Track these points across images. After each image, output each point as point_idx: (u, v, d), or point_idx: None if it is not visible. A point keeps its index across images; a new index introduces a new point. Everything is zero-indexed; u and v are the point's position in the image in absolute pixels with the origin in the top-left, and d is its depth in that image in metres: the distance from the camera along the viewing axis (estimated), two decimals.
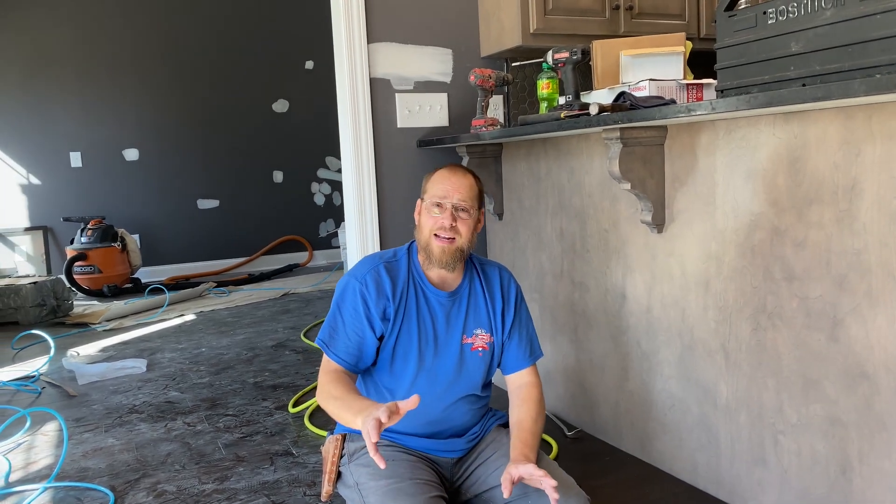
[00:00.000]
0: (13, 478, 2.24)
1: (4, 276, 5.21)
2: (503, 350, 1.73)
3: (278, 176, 6.71)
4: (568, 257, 2.40)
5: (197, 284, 5.59)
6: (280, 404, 2.83)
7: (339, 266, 6.32)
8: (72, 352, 3.70)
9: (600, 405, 2.33)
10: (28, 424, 2.68)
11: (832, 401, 1.59)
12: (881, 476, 1.50)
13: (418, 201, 1.71)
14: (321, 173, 6.86)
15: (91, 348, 3.88)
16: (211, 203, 6.48)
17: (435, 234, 1.62)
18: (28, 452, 2.44)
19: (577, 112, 2.05)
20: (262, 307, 4.88)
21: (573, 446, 2.31)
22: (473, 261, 1.74)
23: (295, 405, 2.78)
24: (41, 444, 2.51)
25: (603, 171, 2.21)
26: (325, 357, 1.66)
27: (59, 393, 3.11)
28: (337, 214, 6.83)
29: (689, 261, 1.93)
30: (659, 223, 1.98)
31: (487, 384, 1.77)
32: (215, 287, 5.55)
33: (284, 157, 6.71)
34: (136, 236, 6.13)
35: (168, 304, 4.90)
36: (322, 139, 6.74)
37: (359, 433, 1.70)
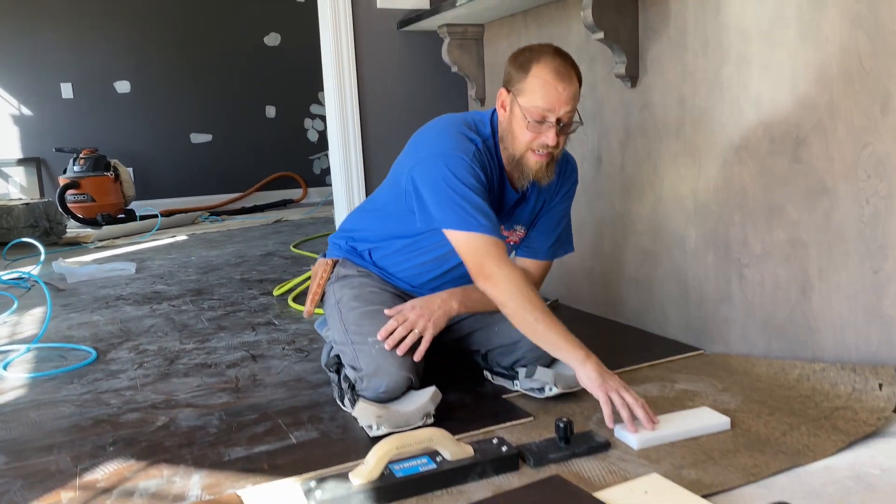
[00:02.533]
0: None
1: None
2: (525, 239, 1.68)
3: (271, 111, 6.69)
4: None
5: None
6: (265, 291, 2.86)
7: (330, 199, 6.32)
8: (62, 259, 3.73)
9: (576, 274, 2.36)
10: (15, 306, 2.72)
11: (794, 223, 1.61)
12: (838, 288, 1.53)
13: (504, 93, 1.49)
14: (314, 109, 6.83)
15: (82, 258, 3.91)
16: (204, 137, 6.47)
17: (532, 150, 1.46)
18: (14, 327, 2.48)
19: None
20: (254, 230, 4.91)
21: None
22: None
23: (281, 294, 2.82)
24: (27, 321, 2.56)
25: (580, 36, 2.20)
26: (484, 244, 1.42)
27: (49, 289, 3.14)
28: None
29: (661, 109, 1.93)
30: (633, 75, 1.98)
31: None
32: (209, 215, 5.57)
33: (277, 91, 6.67)
34: (130, 169, 6.13)
35: (161, 228, 4.93)
36: (315, 74, 6.65)
37: (352, 260, 1.71)
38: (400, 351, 1.46)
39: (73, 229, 5.31)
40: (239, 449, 1.40)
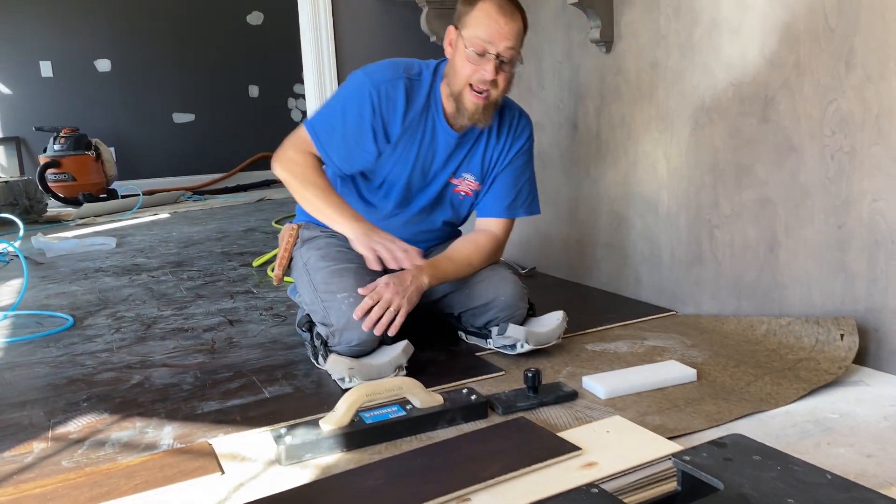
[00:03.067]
0: None
1: None
2: (482, 195, 1.70)
3: (254, 90, 6.66)
4: (525, 98, 2.42)
5: None
6: (245, 263, 2.87)
7: None
8: (41, 234, 3.71)
9: (553, 242, 2.38)
10: None
11: (762, 182, 1.63)
12: (804, 244, 1.56)
13: (452, 30, 1.53)
14: (297, 88, 6.80)
15: (62, 235, 3.89)
16: (187, 117, 6.43)
17: (471, 85, 1.48)
18: None
19: None
20: (237, 208, 4.90)
21: (526, 281, 2.36)
22: None
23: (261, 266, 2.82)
24: (4, 292, 2.55)
25: (557, 2, 2.21)
26: (303, 141, 1.58)
27: (28, 262, 3.12)
28: None
29: (635, 74, 1.95)
30: (607, 40, 1.99)
31: (464, 221, 1.80)
32: (192, 195, 5.55)
33: (260, 71, 6.63)
34: (112, 149, 6.08)
35: (143, 207, 4.91)
36: (298, 53, 6.56)
37: (316, 222, 1.73)
38: (378, 330, 1.47)
39: (54, 208, 5.27)
40: (212, 403, 1.42)
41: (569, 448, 1.03)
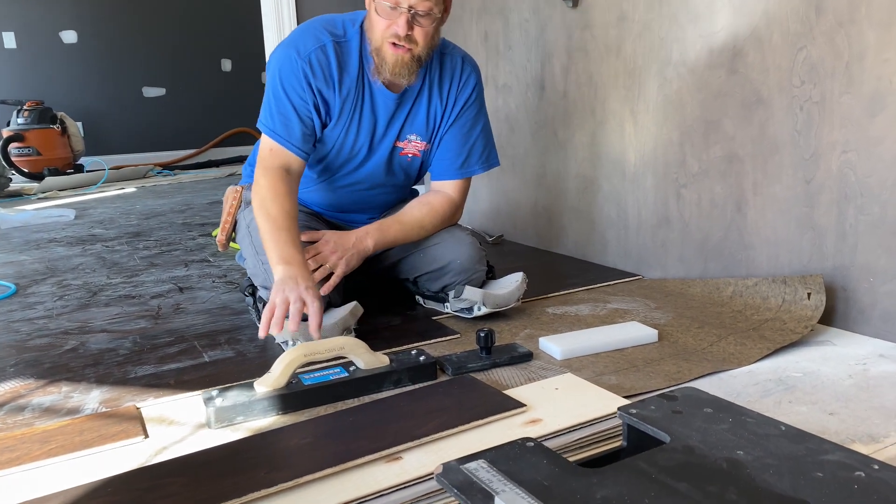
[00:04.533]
0: None
1: None
2: (431, 153, 1.59)
3: (227, 64, 6.49)
4: (493, 61, 2.33)
5: None
6: (205, 233, 2.77)
7: None
8: None
9: (521, 209, 2.31)
10: None
11: (730, 137, 1.56)
12: (773, 202, 1.49)
13: None
14: None
15: (19, 207, 3.76)
16: (157, 91, 6.26)
17: (388, 41, 1.37)
18: None
19: None
20: (206, 182, 4.79)
21: (493, 249, 2.29)
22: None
23: None
24: None
25: None
26: (270, 150, 1.43)
27: None
28: None
29: (602, 29, 1.87)
30: None
31: (418, 180, 1.70)
32: (161, 170, 5.41)
33: (233, 44, 6.47)
34: (79, 124, 5.91)
35: (109, 181, 4.77)
36: None
37: None
38: None
39: (18, 183, 5.11)
40: (147, 367, 1.33)
41: (513, 405, 0.96)
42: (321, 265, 1.42)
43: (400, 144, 1.56)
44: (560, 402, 0.99)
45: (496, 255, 2.21)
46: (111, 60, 6.03)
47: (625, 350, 1.32)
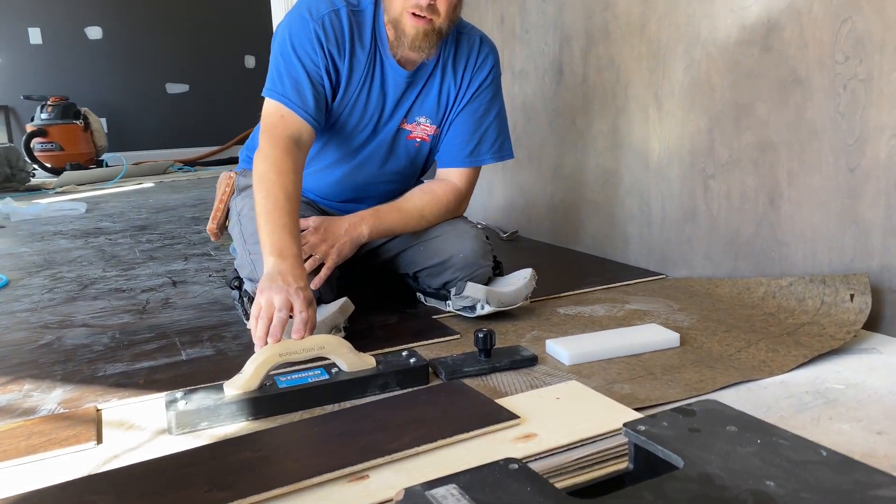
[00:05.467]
0: None
1: None
2: (441, 139, 1.47)
3: (250, 61, 6.45)
4: (509, 45, 2.20)
5: None
6: None
7: None
8: (9, 199, 3.55)
9: (537, 203, 2.17)
10: None
11: (763, 122, 1.41)
12: (810, 193, 1.34)
13: None
14: None
15: (35, 201, 3.73)
16: (180, 87, 6.25)
17: (409, 11, 1.27)
18: None
19: None
20: None
21: (506, 245, 2.16)
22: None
23: None
24: None
25: None
26: (281, 117, 1.28)
27: None
28: None
29: (624, 7, 1.73)
30: None
31: (424, 171, 1.58)
32: (181, 166, 5.37)
33: (257, 41, 6.42)
34: (103, 120, 5.92)
35: (129, 177, 4.74)
36: None
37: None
38: None
39: (40, 178, 5.11)
40: (119, 365, 1.23)
41: (504, 416, 0.83)
42: (310, 256, 1.31)
43: (408, 127, 1.44)
44: (560, 415, 0.85)
45: (510, 252, 2.08)
46: (135, 56, 6.02)
47: (642, 355, 1.18)
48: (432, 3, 1.25)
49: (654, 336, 1.22)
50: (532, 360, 1.16)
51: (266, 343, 1.06)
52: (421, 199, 1.44)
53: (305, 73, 1.29)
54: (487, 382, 1.09)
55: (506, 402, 0.90)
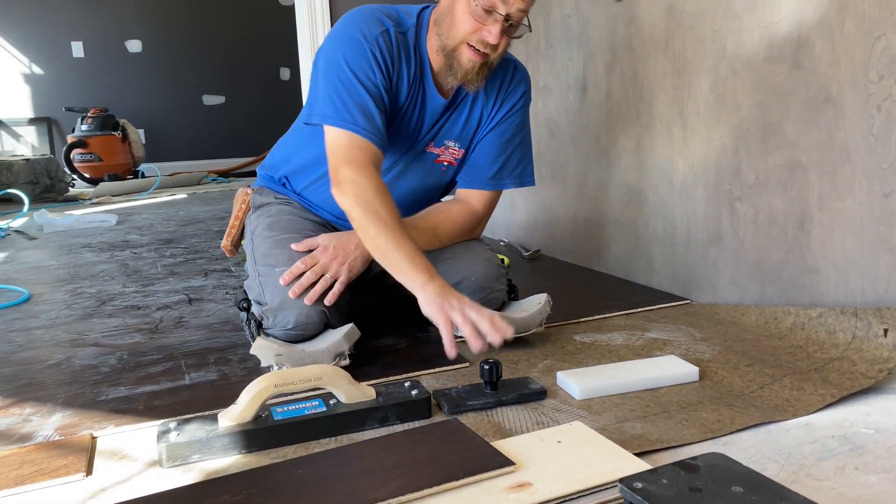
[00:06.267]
0: None
1: None
2: (464, 161, 1.43)
3: (285, 73, 6.51)
4: (533, 61, 2.16)
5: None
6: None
7: None
8: (44, 211, 3.62)
9: (560, 221, 2.12)
10: None
11: (792, 143, 1.34)
12: (842, 218, 1.27)
13: None
14: None
15: (69, 212, 3.80)
16: (217, 99, 6.33)
17: (469, 44, 1.23)
18: None
19: None
20: None
21: (528, 265, 2.11)
22: None
23: None
24: None
25: None
26: (358, 146, 1.22)
27: (23, 238, 3.02)
28: None
29: (648, 22, 1.67)
30: None
31: (445, 193, 1.54)
32: (215, 177, 5.43)
33: (292, 53, 6.47)
34: (141, 131, 6.02)
35: (163, 187, 4.80)
36: None
37: (270, 186, 1.53)
38: (308, 299, 1.24)
39: (78, 188, 5.22)
40: (121, 389, 1.22)
41: (498, 463, 0.78)
42: (321, 275, 1.28)
43: (436, 150, 1.41)
44: (559, 461, 0.80)
45: (531, 272, 2.03)
46: (173, 69, 6.13)
47: (658, 390, 1.12)
48: (497, 42, 1.21)
49: (671, 369, 1.16)
50: (541, 394, 1.11)
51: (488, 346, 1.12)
52: (436, 219, 1.40)
53: (370, 98, 1.24)
54: (492, 418, 1.04)
55: (503, 445, 0.85)
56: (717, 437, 0.96)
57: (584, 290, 1.79)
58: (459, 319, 1.12)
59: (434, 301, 1.14)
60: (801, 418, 1.01)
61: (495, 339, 1.12)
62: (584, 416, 1.04)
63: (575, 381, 1.12)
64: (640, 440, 0.95)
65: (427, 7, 1.34)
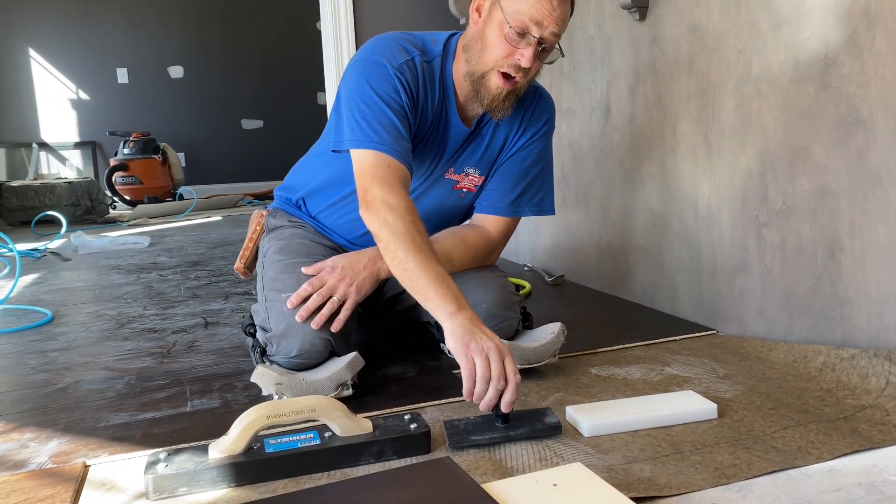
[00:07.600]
0: None
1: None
2: (483, 187, 1.40)
3: (322, 98, 6.59)
4: (556, 83, 2.12)
5: None
6: None
7: None
8: (80, 232, 3.69)
9: (584, 246, 2.06)
10: (6, 270, 2.65)
11: (821, 167, 1.27)
12: (874, 248, 1.19)
13: None
14: None
15: (106, 234, 3.87)
16: (255, 123, 6.44)
17: (500, 70, 1.20)
18: None
19: None
20: None
21: (550, 290, 2.06)
22: None
23: None
24: (8, 285, 2.47)
25: None
26: (388, 166, 1.17)
27: (58, 259, 3.08)
28: None
29: (672, 42, 1.62)
30: (641, 4, 1.68)
31: (459, 221, 1.50)
32: (251, 200, 5.50)
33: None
34: (181, 154, 6.16)
35: (200, 210, 4.88)
36: None
37: (285, 209, 1.52)
38: (315, 324, 1.21)
39: (119, 210, 5.34)
40: (122, 415, 1.20)
41: None
42: (329, 298, 1.24)
43: (455, 177, 1.38)
44: None
45: (554, 298, 1.97)
46: (213, 94, 6.26)
47: (672, 428, 1.06)
48: (530, 66, 1.18)
49: (688, 406, 1.09)
50: (555, 429, 1.05)
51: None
52: (451, 243, 1.36)
53: (396, 117, 1.21)
54: (493, 454, 0.99)
55: (494, 488, 0.80)
56: (732, 482, 0.89)
57: (606, 318, 1.73)
58: (481, 370, 1.01)
59: (459, 336, 1.04)
60: (826, 463, 0.93)
61: (504, 409, 1.02)
62: (590, 454, 0.98)
63: (584, 417, 1.06)
64: (647, 484, 0.89)
65: (455, 34, 1.32)
